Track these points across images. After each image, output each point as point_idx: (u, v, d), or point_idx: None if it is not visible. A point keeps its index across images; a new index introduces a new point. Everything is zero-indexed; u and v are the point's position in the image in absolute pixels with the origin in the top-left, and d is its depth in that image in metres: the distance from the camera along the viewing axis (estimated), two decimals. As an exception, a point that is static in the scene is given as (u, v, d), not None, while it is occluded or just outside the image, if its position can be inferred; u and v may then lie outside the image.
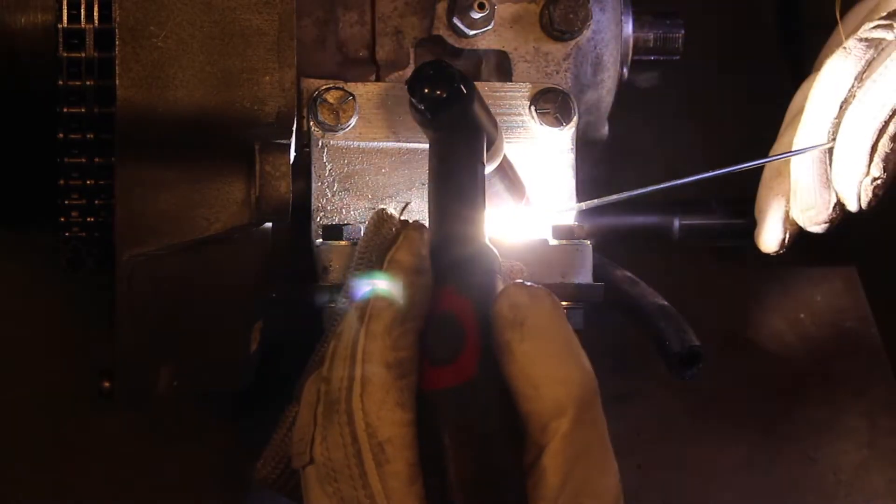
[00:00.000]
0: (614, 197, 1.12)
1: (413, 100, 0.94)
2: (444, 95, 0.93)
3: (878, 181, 1.10)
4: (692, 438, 1.30)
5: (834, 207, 1.15)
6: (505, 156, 1.04)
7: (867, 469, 1.30)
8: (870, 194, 1.11)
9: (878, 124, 1.09)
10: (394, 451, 0.85)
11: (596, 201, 1.12)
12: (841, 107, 1.12)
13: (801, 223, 1.18)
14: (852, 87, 1.12)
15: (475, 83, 0.97)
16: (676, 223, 1.29)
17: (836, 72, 1.13)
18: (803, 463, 1.30)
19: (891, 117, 1.09)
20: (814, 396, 1.33)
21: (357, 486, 0.86)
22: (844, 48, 1.13)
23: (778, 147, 1.20)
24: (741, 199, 1.30)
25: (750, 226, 1.27)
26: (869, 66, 1.11)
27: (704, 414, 1.30)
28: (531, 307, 0.87)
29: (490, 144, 0.99)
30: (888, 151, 1.09)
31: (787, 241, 1.20)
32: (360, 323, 0.88)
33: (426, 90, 0.93)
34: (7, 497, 1.22)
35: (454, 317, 0.88)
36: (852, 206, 1.13)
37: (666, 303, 1.15)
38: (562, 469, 0.85)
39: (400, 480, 0.85)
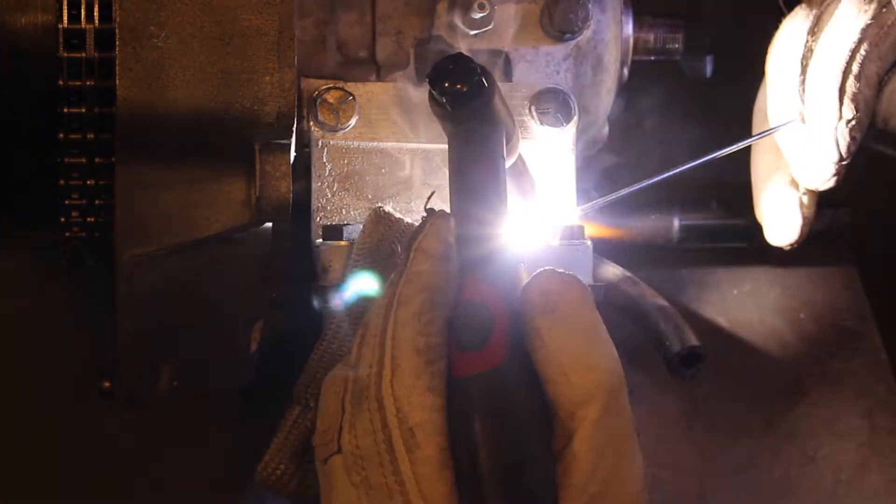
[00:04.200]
0: (614, 195, 1.12)
1: (434, 93, 0.94)
2: (465, 89, 0.93)
3: (853, 122, 1.09)
4: (692, 438, 1.29)
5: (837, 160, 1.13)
6: (521, 154, 1.04)
7: (867, 469, 1.30)
8: (847, 137, 1.10)
9: (841, 66, 1.09)
10: (424, 436, 0.85)
11: (598, 201, 1.12)
12: (802, 64, 1.13)
13: (807, 184, 1.16)
14: (807, 42, 1.12)
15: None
16: (676, 223, 1.29)
17: (788, 33, 1.13)
18: (803, 463, 1.30)
19: (851, 58, 1.09)
20: (814, 396, 1.33)
21: (387, 473, 0.86)
22: (792, 13, 1.13)
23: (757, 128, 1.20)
24: (741, 200, 1.30)
25: (750, 226, 1.27)
26: (819, 20, 1.12)
27: (704, 414, 1.30)
28: (562, 294, 0.88)
29: (508, 140, 0.98)
30: (855, 91, 1.09)
31: (804, 227, 1.18)
32: (389, 310, 0.88)
33: (447, 84, 0.93)
34: (7, 497, 1.22)
35: (482, 304, 0.88)
36: (834, 157, 1.11)
37: (666, 303, 1.15)
38: (591, 456, 0.85)
39: (431, 466, 0.85)
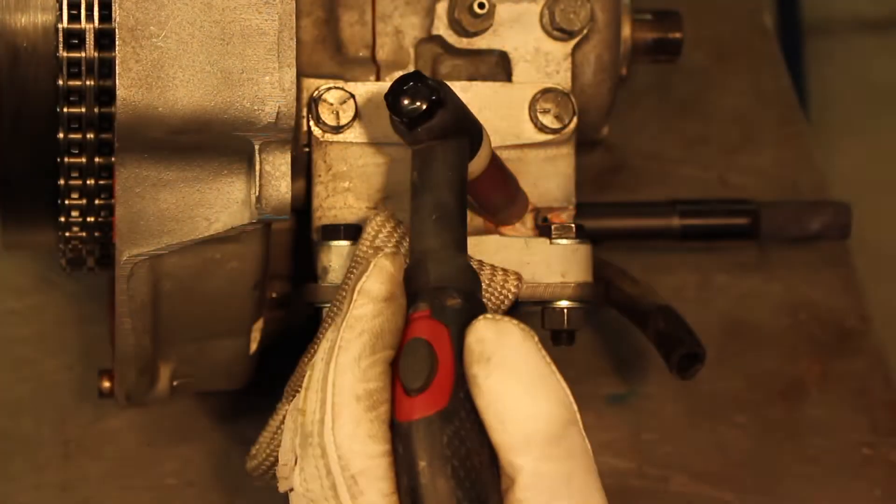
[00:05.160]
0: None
1: (392, 114, 0.94)
2: (424, 107, 0.92)
3: None
4: (692, 438, 1.30)
5: None
6: (495, 156, 1.03)
7: (867, 469, 1.30)
8: None
9: None
10: (367, 483, 0.85)
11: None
12: None
13: None
14: None
15: (451, 87, 0.95)
16: (676, 223, 1.29)
17: None
18: (803, 463, 1.30)
19: None
20: (814, 396, 1.33)
21: None
22: None
23: None
24: (741, 200, 1.30)
25: (750, 226, 1.28)
26: None
27: (704, 414, 1.30)
28: (497, 342, 0.86)
29: (475, 151, 0.98)
30: None
31: None
32: (331, 355, 0.88)
33: (405, 102, 0.93)
34: (7, 497, 1.22)
35: (428, 344, 0.86)
36: None
37: (666, 302, 1.15)
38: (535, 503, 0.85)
39: None
